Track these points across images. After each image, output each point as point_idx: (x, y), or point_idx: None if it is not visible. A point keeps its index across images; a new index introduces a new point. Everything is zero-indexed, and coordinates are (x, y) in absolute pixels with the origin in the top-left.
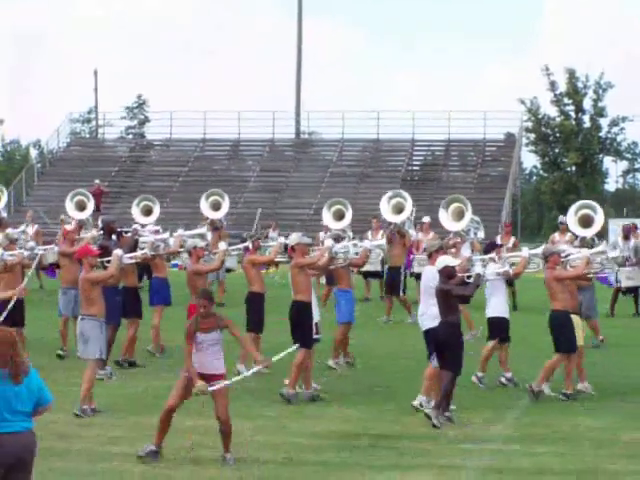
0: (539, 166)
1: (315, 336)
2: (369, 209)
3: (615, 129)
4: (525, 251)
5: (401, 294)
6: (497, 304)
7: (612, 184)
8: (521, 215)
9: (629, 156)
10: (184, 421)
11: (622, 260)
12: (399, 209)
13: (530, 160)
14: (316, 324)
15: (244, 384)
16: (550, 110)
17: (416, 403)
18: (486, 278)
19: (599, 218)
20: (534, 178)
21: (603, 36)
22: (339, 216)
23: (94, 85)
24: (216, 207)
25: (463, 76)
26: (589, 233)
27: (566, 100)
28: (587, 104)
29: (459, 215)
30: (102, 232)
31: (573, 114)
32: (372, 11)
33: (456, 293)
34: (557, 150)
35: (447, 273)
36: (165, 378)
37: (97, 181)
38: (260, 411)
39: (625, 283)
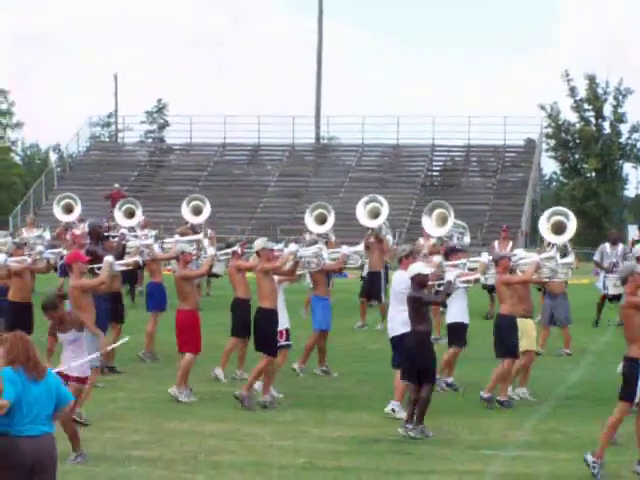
0: (559, 172)
1: (283, 342)
2: (389, 214)
3: (635, 135)
4: (484, 256)
5: (383, 299)
6: (457, 310)
7: (632, 190)
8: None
9: None
10: (204, 425)
11: (610, 266)
12: (375, 214)
13: (550, 166)
14: (287, 330)
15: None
16: (570, 116)
17: (388, 409)
18: (457, 285)
19: (572, 225)
20: (554, 184)
21: (623, 41)
22: (321, 220)
23: (114, 89)
24: (197, 212)
25: (484, 81)
26: (561, 240)
27: (586, 106)
28: (607, 110)
29: (442, 220)
30: (89, 237)
31: (593, 120)
32: (396, 15)
33: (427, 301)
34: (577, 156)
35: (419, 281)
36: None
37: (116, 185)
38: (280, 416)
39: (612, 290)
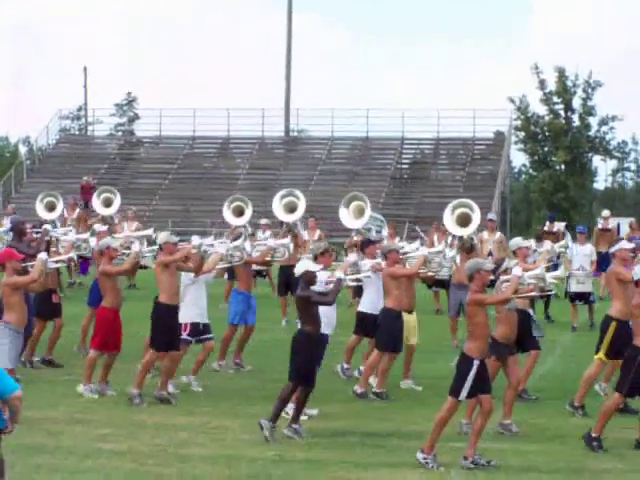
0: (528, 165)
1: (184, 337)
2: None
3: (604, 128)
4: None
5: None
6: (368, 300)
7: (601, 183)
8: (510, 213)
9: (618, 155)
10: (174, 418)
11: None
12: (291, 208)
13: (519, 159)
14: (193, 324)
15: (232, 383)
16: (539, 109)
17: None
18: (346, 283)
19: (476, 217)
20: (523, 177)
21: (593, 34)
22: (239, 212)
23: (84, 82)
24: (107, 204)
25: (452, 74)
26: (466, 232)
27: (555, 99)
28: (576, 103)
29: (360, 213)
30: (11, 233)
31: (562, 113)
32: (363, 8)
33: (315, 300)
34: (546, 149)
35: (308, 279)
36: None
37: (85, 178)
38: (250, 409)
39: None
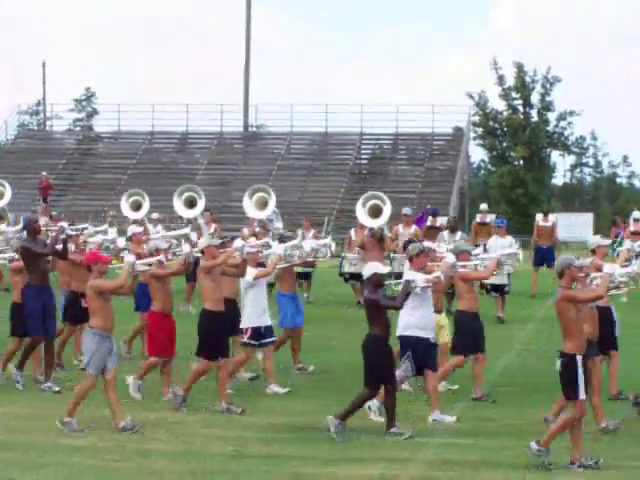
0: (487, 160)
1: (246, 340)
2: (317, 202)
3: (563, 123)
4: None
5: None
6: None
7: (560, 178)
8: (468, 209)
9: (577, 150)
10: (134, 414)
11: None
12: (263, 204)
13: (478, 154)
14: (254, 329)
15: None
16: (498, 104)
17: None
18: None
19: (387, 208)
20: (482, 172)
21: (551, 30)
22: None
23: (42, 77)
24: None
25: (411, 70)
26: (377, 223)
27: (514, 94)
28: (535, 98)
29: (263, 204)
30: (25, 233)
31: (521, 108)
32: (321, 3)
33: (384, 305)
34: (505, 144)
35: (376, 281)
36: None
37: (44, 173)
38: (210, 405)
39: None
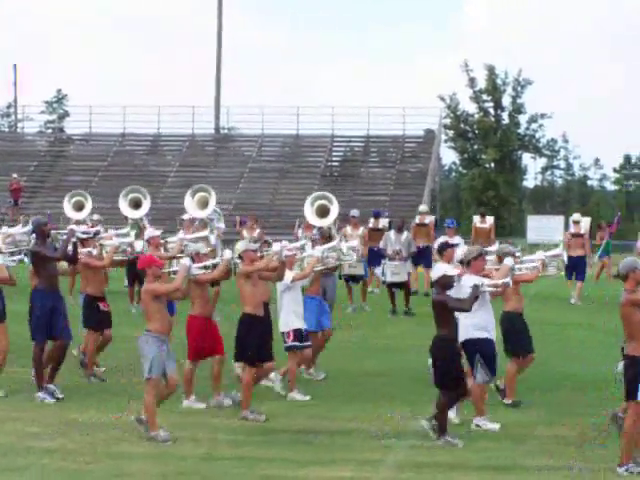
0: (458, 162)
1: (291, 343)
2: (288, 204)
3: (534, 126)
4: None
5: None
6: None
7: (531, 181)
8: (440, 211)
9: (548, 153)
10: (105, 416)
11: (393, 254)
12: (204, 203)
13: (449, 156)
14: (296, 330)
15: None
16: (469, 106)
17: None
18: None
19: (334, 208)
20: (453, 174)
21: (523, 32)
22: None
23: (13, 79)
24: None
25: (383, 72)
26: (325, 223)
27: (485, 97)
28: (506, 101)
29: (204, 204)
30: (34, 236)
31: (492, 111)
32: (292, 6)
33: (452, 306)
34: (476, 146)
35: (445, 283)
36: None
37: (15, 175)
38: (180, 407)
39: (390, 278)
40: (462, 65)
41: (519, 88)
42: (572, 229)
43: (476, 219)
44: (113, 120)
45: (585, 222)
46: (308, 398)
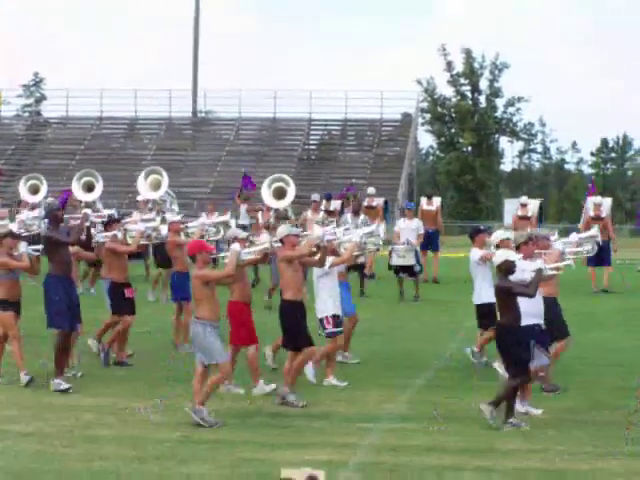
0: (435, 146)
1: (331, 330)
2: None
3: (511, 109)
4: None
5: None
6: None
7: (508, 164)
8: (417, 195)
9: (525, 136)
10: (81, 400)
11: None
12: (156, 185)
13: (427, 140)
14: (334, 316)
15: (140, 366)
16: (446, 90)
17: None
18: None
19: (291, 190)
20: (431, 158)
21: (500, 16)
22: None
23: None
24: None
25: (360, 56)
26: (282, 204)
27: (462, 80)
28: (483, 84)
29: (156, 186)
30: (47, 221)
31: (469, 94)
32: None
33: (517, 292)
34: (453, 130)
35: (507, 268)
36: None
37: None
38: (157, 391)
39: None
40: (439, 49)
41: (496, 72)
42: (519, 212)
43: (423, 201)
44: (90, 103)
45: (534, 204)
46: (345, 384)
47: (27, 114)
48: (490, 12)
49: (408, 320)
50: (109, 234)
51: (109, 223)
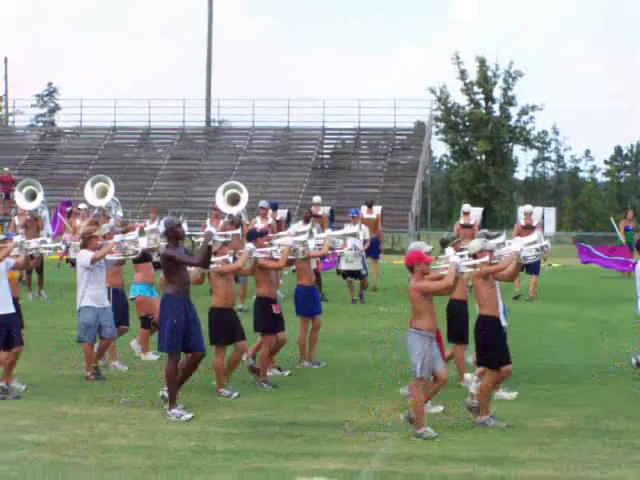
0: (449, 154)
1: None
2: (279, 197)
3: (524, 118)
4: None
5: None
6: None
7: (522, 173)
8: (431, 204)
9: (538, 145)
10: (95, 409)
11: None
12: (103, 192)
13: (440, 149)
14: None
15: (153, 372)
16: (460, 99)
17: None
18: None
19: (244, 196)
20: (444, 167)
21: (513, 24)
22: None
23: (4, 72)
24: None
25: (374, 64)
26: (235, 210)
27: (476, 89)
28: (497, 93)
29: (103, 193)
30: (166, 238)
31: (483, 103)
32: None
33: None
34: (467, 139)
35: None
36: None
37: (6, 169)
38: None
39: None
40: (453, 57)
41: (510, 80)
42: (462, 220)
43: (363, 209)
44: (104, 113)
45: (475, 212)
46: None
47: (41, 124)
48: (505, 20)
49: None
50: (261, 250)
51: (251, 237)
